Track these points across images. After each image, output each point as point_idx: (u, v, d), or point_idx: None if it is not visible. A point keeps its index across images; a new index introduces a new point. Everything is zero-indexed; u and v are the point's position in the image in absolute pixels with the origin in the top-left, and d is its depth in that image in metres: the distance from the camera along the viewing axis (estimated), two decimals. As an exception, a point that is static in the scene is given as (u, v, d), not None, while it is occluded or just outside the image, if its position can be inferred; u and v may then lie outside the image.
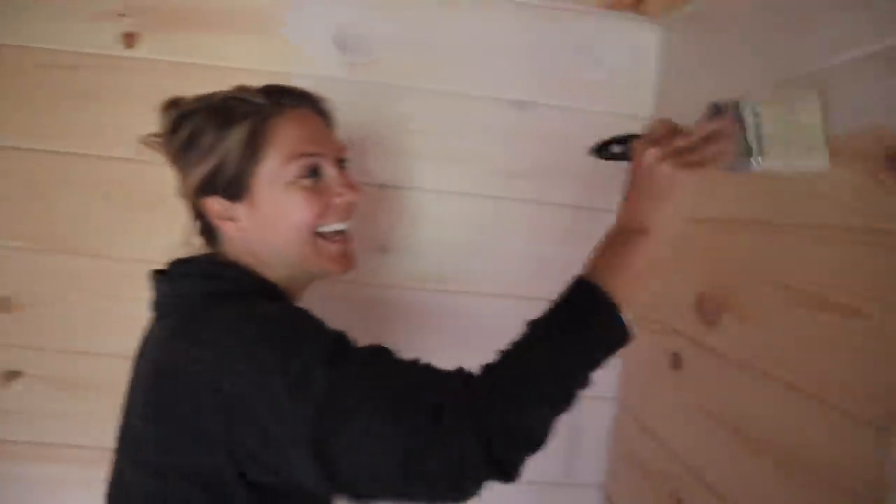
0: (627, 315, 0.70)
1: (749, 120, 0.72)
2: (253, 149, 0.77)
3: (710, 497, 0.91)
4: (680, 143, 0.72)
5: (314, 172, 0.80)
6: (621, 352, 1.25)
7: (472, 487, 0.63)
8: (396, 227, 1.24)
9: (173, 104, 0.82)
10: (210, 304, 0.74)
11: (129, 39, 1.16)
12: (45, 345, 1.19)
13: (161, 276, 0.81)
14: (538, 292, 1.20)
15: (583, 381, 0.68)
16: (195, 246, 0.86)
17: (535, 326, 0.70)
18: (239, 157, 0.77)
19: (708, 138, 0.73)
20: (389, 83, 1.21)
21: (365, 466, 0.63)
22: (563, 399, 0.67)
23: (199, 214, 0.83)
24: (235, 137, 0.76)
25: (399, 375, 0.67)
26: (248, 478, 0.67)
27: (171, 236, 0.86)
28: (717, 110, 0.76)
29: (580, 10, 1.22)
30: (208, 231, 0.84)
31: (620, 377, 1.30)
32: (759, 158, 0.72)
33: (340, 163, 0.86)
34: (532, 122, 1.23)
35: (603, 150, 0.82)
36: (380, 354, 0.70)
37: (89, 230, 1.18)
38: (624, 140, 0.79)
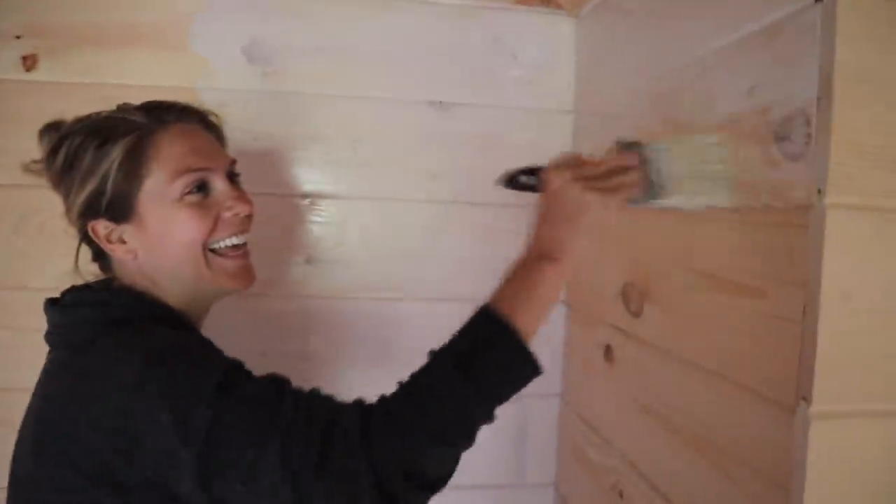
0: (530, 340, 0.67)
1: (651, 158, 0.74)
2: (134, 167, 0.73)
3: (646, 488, 0.90)
4: (587, 171, 0.73)
5: (201, 188, 0.77)
6: (563, 347, 1.25)
7: None
8: (321, 237, 1.22)
9: (53, 127, 0.78)
10: (99, 335, 0.70)
11: (28, 62, 1.12)
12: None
13: (52, 306, 0.76)
14: (467, 293, 1.18)
15: (483, 418, 0.65)
16: (89, 273, 0.82)
17: (436, 358, 0.67)
18: (120, 176, 0.73)
19: (613, 171, 0.74)
20: (303, 91, 1.18)
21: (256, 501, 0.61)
22: (460, 437, 0.64)
23: (89, 239, 0.78)
24: (114, 156, 0.73)
25: (288, 412, 0.63)
26: None
27: (67, 264, 0.82)
28: (624, 146, 0.78)
29: (493, 6, 1.22)
30: (100, 256, 0.80)
31: (563, 373, 1.29)
32: (659, 196, 0.74)
33: (233, 176, 0.83)
34: (452, 122, 1.22)
35: (512, 181, 0.80)
36: (270, 388, 0.66)
37: (2, 263, 1.13)
38: (532, 171, 0.78)
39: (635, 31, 1.01)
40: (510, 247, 1.12)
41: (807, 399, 0.57)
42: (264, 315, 1.20)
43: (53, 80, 1.12)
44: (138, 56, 1.14)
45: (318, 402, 0.66)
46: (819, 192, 0.56)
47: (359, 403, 0.66)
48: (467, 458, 1.29)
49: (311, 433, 0.62)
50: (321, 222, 1.21)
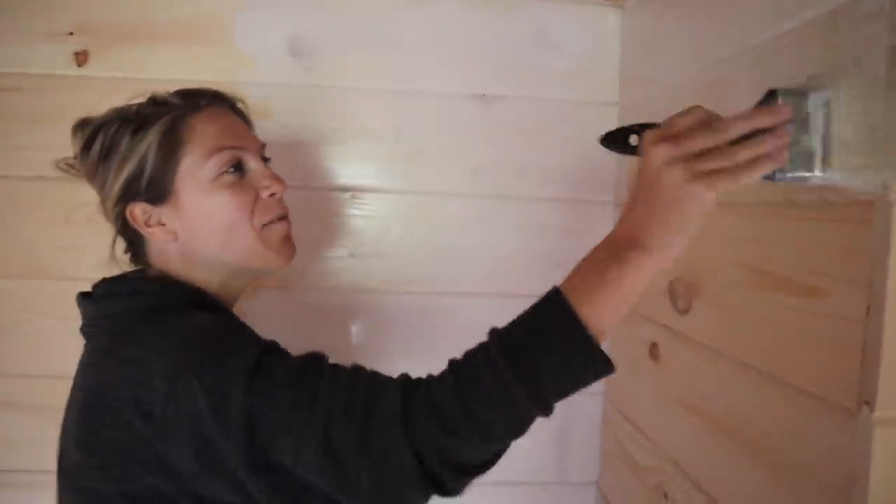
0: (603, 342, 0.59)
1: (813, 113, 0.55)
2: (171, 148, 0.75)
3: (691, 489, 0.88)
4: (705, 142, 0.55)
5: (237, 167, 0.79)
6: (606, 345, 1.23)
7: (412, 500, 0.61)
8: (363, 231, 1.22)
9: (84, 122, 0.80)
10: (136, 323, 0.71)
11: (80, 58, 1.15)
12: (13, 371, 1.18)
13: (87, 298, 0.78)
14: (508, 289, 1.19)
15: (535, 415, 0.59)
16: (121, 264, 0.84)
17: (491, 343, 0.60)
18: (158, 157, 0.75)
19: (748, 138, 0.55)
20: (345, 85, 1.18)
21: (304, 484, 0.62)
22: (507, 434, 0.61)
23: (124, 226, 0.79)
24: (151, 139, 0.74)
25: (326, 394, 0.62)
26: (200, 494, 0.65)
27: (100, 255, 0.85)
28: (771, 98, 0.57)
29: (535, -3, 1.20)
30: (135, 243, 0.82)
31: (606, 371, 1.27)
32: (815, 170, 0.55)
33: (264, 160, 0.85)
34: (495, 115, 1.20)
35: (614, 140, 0.66)
36: (309, 367, 0.66)
37: (52, 253, 1.17)
38: (642, 130, 0.63)
39: (683, 19, 0.98)
40: (553, 242, 1.12)
41: (870, 404, 0.54)
42: (307, 308, 1.21)
43: (103, 76, 1.15)
44: (184, 52, 1.16)
45: (358, 383, 0.64)
46: (885, 186, 0.53)
47: (402, 384, 0.63)
48: (509, 455, 1.28)
49: (351, 417, 0.60)
50: (363, 216, 1.21)
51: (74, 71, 1.15)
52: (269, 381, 0.63)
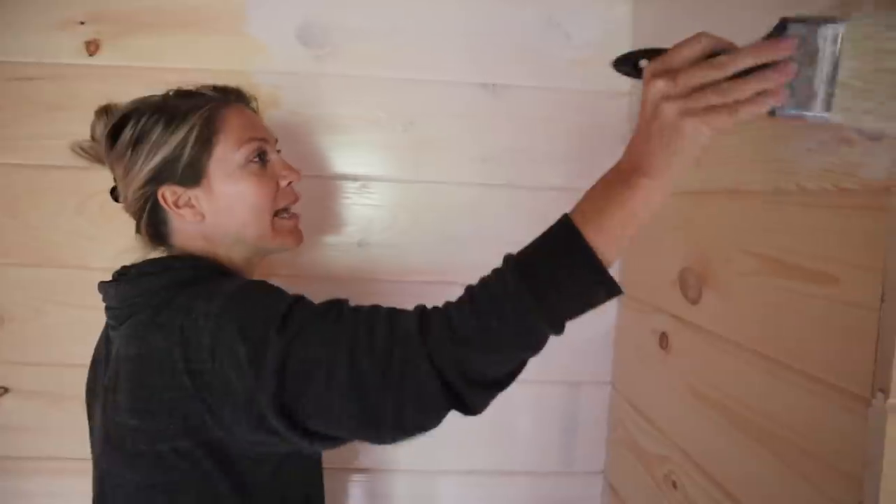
0: (611, 263, 0.61)
1: (825, 50, 0.53)
2: (208, 135, 0.82)
3: (701, 479, 0.88)
4: (705, 77, 0.56)
5: (261, 157, 0.87)
6: (613, 334, 1.23)
7: (434, 420, 0.66)
8: (372, 220, 1.22)
9: (108, 109, 0.87)
10: (175, 293, 0.76)
11: (91, 47, 1.15)
12: (27, 359, 1.19)
13: (120, 281, 0.82)
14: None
15: (548, 332, 0.63)
16: (139, 250, 0.88)
17: (505, 266, 0.65)
18: (197, 143, 0.81)
19: (752, 71, 0.56)
20: (355, 74, 1.18)
21: (331, 419, 0.66)
22: (521, 348, 0.64)
23: (152, 208, 0.84)
24: (192, 124, 0.81)
25: (351, 327, 0.67)
26: (238, 450, 0.73)
27: (127, 243, 0.87)
28: (782, 29, 0.56)
29: (546, -15, 1.19)
30: (157, 224, 0.86)
31: (614, 361, 1.27)
32: (818, 107, 0.55)
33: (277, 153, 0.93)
34: (505, 104, 1.20)
35: (625, 63, 0.67)
36: (333, 308, 0.71)
37: (63, 241, 1.18)
38: (653, 55, 0.62)
39: (694, 7, 0.97)
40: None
41: (884, 391, 0.54)
42: (316, 297, 1.19)
43: (115, 65, 1.16)
44: (195, 40, 1.16)
45: (379, 316, 0.68)
46: (881, 134, 0.52)
47: (420, 309, 0.68)
48: (516, 445, 1.29)
49: (374, 345, 0.65)
50: (372, 205, 1.22)
51: (86, 60, 1.15)
52: (299, 324, 0.68)
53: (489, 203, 1.21)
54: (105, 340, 0.84)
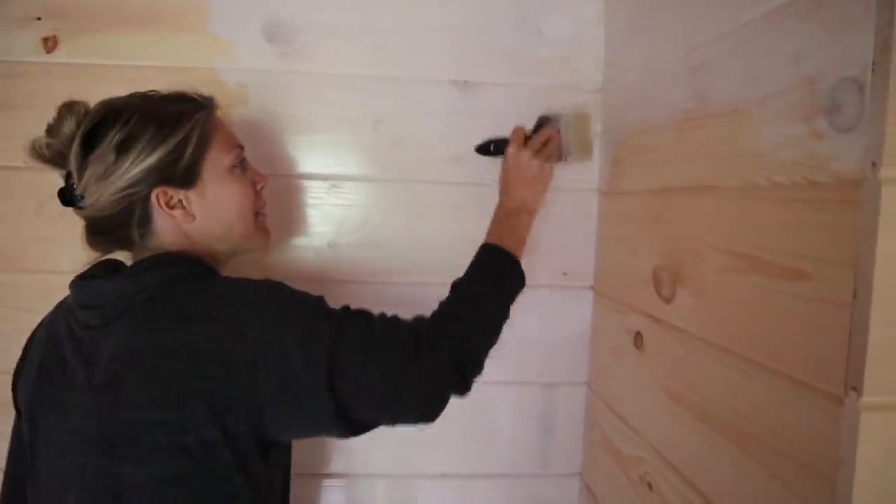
0: (520, 258, 1.01)
1: (561, 127, 1.10)
2: (205, 137, 0.85)
3: (677, 480, 0.87)
4: (535, 143, 1.07)
5: (242, 162, 0.92)
6: (589, 334, 1.23)
7: (445, 398, 0.83)
8: (342, 220, 1.20)
9: (72, 107, 0.83)
10: (181, 287, 0.79)
11: (49, 44, 1.11)
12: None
13: (111, 278, 0.81)
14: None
15: (507, 315, 0.96)
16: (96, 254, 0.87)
17: (464, 284, 0.95)
18: (195, 146, 0.84)
19: (546, 142, 1.09)
20: (324, 71, 1.16)
21: (368, 393, 0.77)
22: (497, 330, 0.93)
23: (140, 211, 0.83)
24: (188, 129, 0.83)
25: (377, 320, 0.83)
26: (260, 437, 0.76)
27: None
28: (544, 120, 1.12)
29: (517, -19, 1.17)
30: (140, 225, 0.84)
31: (590, 361, 1.26)
32: (568, 157, 1.11)
33: None
34: (477, 102, 1.19)
35: (484, 149, 1.14)
36: (351, 310, 0.84)
37: (23, 245, 1.14)
38: (499, 141, 1.12)
39: (666, 2, 0.96)
40: (535, 230, 1.11)
41: (857, 389, 0.53)
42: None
43: (74, 62, 1.12)
44: (158, 37, 1.13)
45: (393, 316, 0.86)
46: (873, 164, 0.51)
47: (420, 316, 0.88)
48: (493, 447, 1.27)
49: (401, 334, 0.82)
50: (343, 205, 1.19)
51: (43, 57, 1.11)
52: (338, 315, 0.81)
53: (462, 202, 1.19)
54: (72, 343, 0.80)
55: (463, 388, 0.85)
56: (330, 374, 0.74)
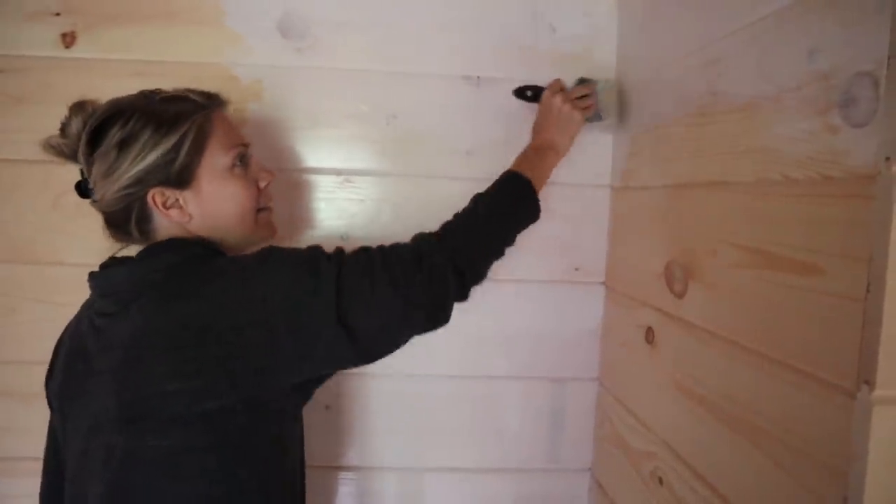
0: (539, 189, 1.03)
1: (598, 90, 1.14)
2: (201, 139, 0.85)
3: (688, 475, 0.87)
4: (570, 94, 1.12)
5: (243, 160, 0.91)
6: (600, 330, 1.23)
7: (449, 303, 0.88)
8: (355, 214, 1.20)
9: (82, 106, 0.86)
10: (193, 266, 0.82)
11: (68, 39, 1.13)
12: (4, 357, 1.16)
13: (125, 264, 0.84)
14: (499, 273, 1.17)
15: (513, 238, 0.99)
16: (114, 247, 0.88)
17: (480, 199, 0.99)
18: (192, 146, 0.84)
19: (581, 97, 1.13)
20: (337, 67, 1.17)
21: (378, 318, 0.82)
22: (499, 249, 0.97)
23: (138, 209, 0.85)
24: (188, 128, 0.84)
25: (375, 249, 0.87)
26: (279, 398, 0.82)
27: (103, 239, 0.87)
28: (582, 81, 1.16)
29: (532, -23, 1.17)
30: (142, 222, 0.86)
31: (601, 357, 1.26)
32: (600, 118, 1.16)
33: None
34: (489, 97, 1.19)
35: (520, 92, 1.17)
36: (360, 249, 0.87)
37: (37, 237, 1.16)
38: (537, 89, 1.15)
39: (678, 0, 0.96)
40: (548, 226, 1.11)
41: (869, 383, 0.53)
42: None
43: (91, 57, 1.13)
44: (174, 32, 1.14)
45: (392, 244, 0.90)
46: (887, 159, 0.51)
47: (421, 233, 0.94)
48: (504, 442, 1.28)
49: (403, 255, 0.87)
50: (356, 199, 1.20)
51: (62, 52, 1.13)
52: (339, 255, 0.84)
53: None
54: (92, 332, 0.82)
55: (461, 294, 0.90)
56: (339, 306, 0.78)
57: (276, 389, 0.81)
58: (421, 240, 0.91)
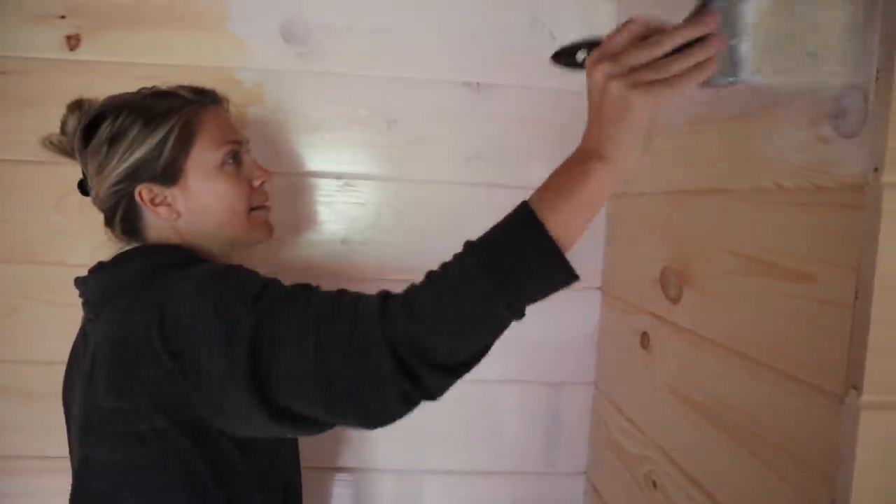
0: (568, 248, 0.64)
1: (745, 19, 0.57)
2: (188, 135, 0.84)
3: (681, 479, 0.88)
4: (639, 58, 0.60)
5: (236, 158, 0.89)
6: (596, 334, 1.23)
7: (394, 403, 0.66)
8: (355, 218, 1.21)
9: (80, 105, 0.87)
10: (153, 278, 0.78)
11: (72, 42, 1.14)
12: (2, 356, 1.17)
13: (97, 272, 0.84)
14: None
15: (506, 315, 0.66)
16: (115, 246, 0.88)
17: (464, 249, 0.68)
18: (177, 143, 0.83)
19: (682, 48, 0.60)
20: (338, 71, 1.18)
21: (298, 394, 0.68)
22: (475, 327, 0.66)
23: (127, 204, 0.85)
24: (172, 124, 0.83)
25: (318, 308, 0.69)
26: (213, 433, 0.74)
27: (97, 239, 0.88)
28: (702, 6, 0.60)
29: (531, -15, 1.19)
30: (131, 220, 0.87)
31: (597, 361, 1.27)
32: (739, 74, 0.59)
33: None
34: (488, 103, 1.20)
35: (565, 57, 0.69)
36: (303, 292, 0.73)
37: (39, 237, 1.16)
38: (591, 46, 0.65)
39: (677, 8, 0.97)
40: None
41: (857, 388, 0.54)
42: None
43: (95, 60, 1.14)
44: (177, 36, 1.15)
45: (345, 296, 0.71)
46: (875, 170, 0.53)
47: (383, 293, 0.70)
48: (499, 445, 1.29)
49: (338, 322, 0.67)
50: (356, 203, 1.21)
51: (66, 55, 1.14)
52: (269, 304, 0.71)
53: (473, 202, 1.21)
54: (82, 336, 0.84)
55: (421, 394, 0.67)
56: (251, 369, 0.67)
57: (207, 420, 0.73)
58: (374, 302, 0.68)
